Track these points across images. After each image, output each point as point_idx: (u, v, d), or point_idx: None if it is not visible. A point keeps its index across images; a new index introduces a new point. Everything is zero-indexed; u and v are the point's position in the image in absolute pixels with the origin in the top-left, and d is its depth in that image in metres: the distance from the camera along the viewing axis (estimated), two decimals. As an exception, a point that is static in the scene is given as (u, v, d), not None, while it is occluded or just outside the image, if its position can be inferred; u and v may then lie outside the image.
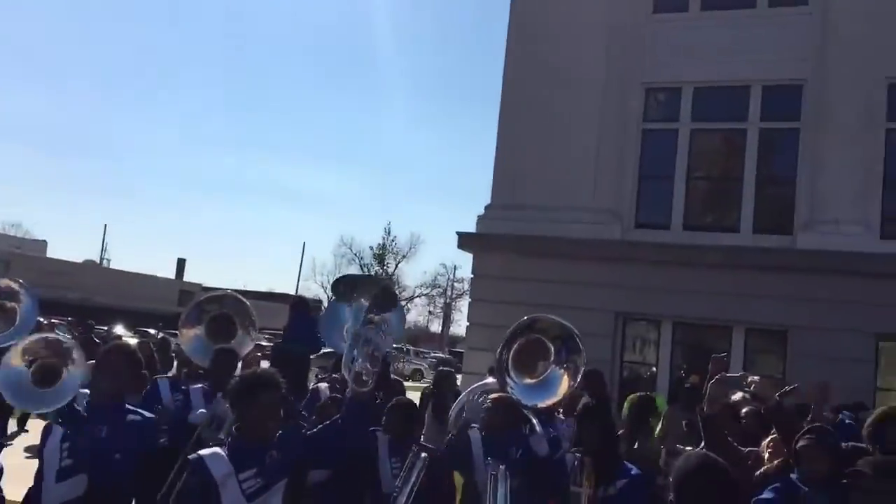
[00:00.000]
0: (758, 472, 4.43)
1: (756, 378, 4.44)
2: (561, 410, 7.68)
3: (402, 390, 8.19)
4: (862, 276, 11.07)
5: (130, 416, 3.97)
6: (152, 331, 30.64)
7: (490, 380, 5.66)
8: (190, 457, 3.42)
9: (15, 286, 6.10)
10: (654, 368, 12.80)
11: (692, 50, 12.95)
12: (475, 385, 6.16)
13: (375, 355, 4.14)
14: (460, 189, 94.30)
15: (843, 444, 4.26)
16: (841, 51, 12.00)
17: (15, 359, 3.90)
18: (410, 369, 35.64)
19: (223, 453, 3.33)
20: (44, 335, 4.22)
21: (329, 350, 7.40)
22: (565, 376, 5.24)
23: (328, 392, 5.95)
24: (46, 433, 3.88)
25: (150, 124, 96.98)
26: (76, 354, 3.94)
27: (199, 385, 5.33)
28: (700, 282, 11.86)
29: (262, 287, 58.04)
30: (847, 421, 5.24)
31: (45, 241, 57.01)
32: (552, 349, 5.30)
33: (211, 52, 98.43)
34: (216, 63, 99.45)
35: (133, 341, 17.54)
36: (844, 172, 11.73)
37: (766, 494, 3.75)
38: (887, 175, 11.87)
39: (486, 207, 13.81)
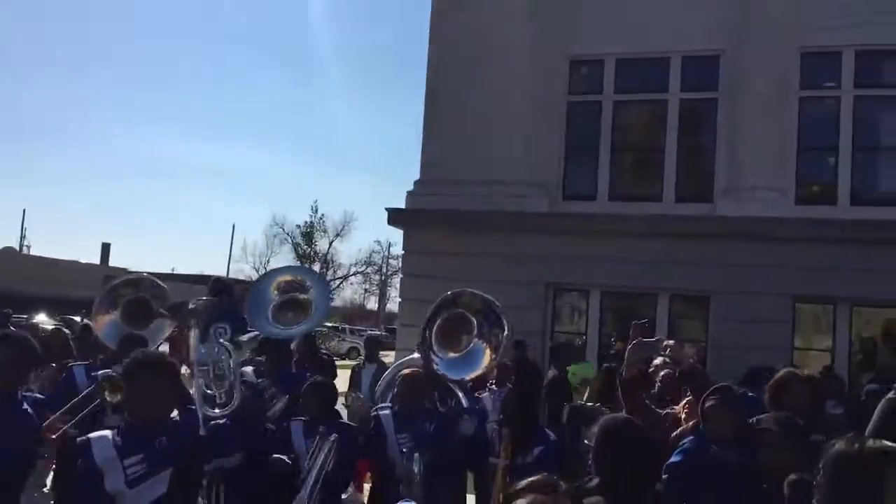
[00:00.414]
0: (674, 434, 4.56)
1: (671, 342, 4.56)
2: (493, 382, 7.81)
3: (333, 368, 8.17)
4: (778, 241, 11.46)
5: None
6: (77, 318, 29.75)
7: (416, 355, 5.67)
8: (78, 440, 3.37)
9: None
10: (585, 337, 13.05)
11: (614, 22, 13.08)
12: (401, 360, 6.17)
13: (218, 373, 4.19)
14: (392, 166, 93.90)
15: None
16: (756, 21, 12.29)
17: None
18: (346, 347, 35.54)
19: (110, 437, 3.27)
20: None
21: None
22: (487, 349, 5.29)
23: (253, 376, 5.87)
24: None
25: (65, 106, 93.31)
26: None
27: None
28: (626, 251, 12.10)
29: (192, 270, 56.68)
30: (750, 394, 5.41)
31: (-42, 229, 54.65)
32: (475, 323, 5.34)
33: (131, 27, 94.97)
34: (136, 39, 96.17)
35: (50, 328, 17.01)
36: (761, 140, 12.07)
37: (675, 458, 3.86)
38: (801, 142, 12.29)
39: (416, 183, 13.78)
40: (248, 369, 6.27)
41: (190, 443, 3.48)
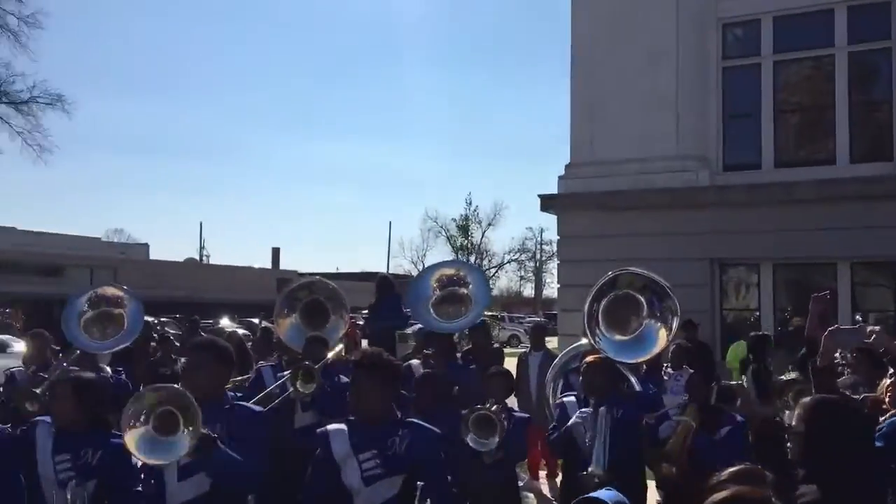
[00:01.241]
0: (883, 418, 4.20)
1: (877, 328, 4.17)
2: (668, 364, 7.57)
3: (502, 356, 8.22)
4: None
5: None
6: (255, 320, 31.78)
7: (584, 341, 5.58)
8: (318, 430, 3.46)
9: (120, 293, 6.40)
10: (758, 314, 12.41)
11: (768, -22, 12.31)
12: (569, 348, 6.11)
13: None
14: (540, 151, 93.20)
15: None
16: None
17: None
18: (507, 335, 35.73)
19: (346, 430, 3.30)
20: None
21: (417, 325, 7.50)
22: (662, 329, 5.11)
23: (421, 368, 6.02)
24: None
25: (230, 121, 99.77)
26: None
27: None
28: (797, 219, 11.39)
29: (355, 268, 59.00)
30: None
31: (146, 244, 59.65)
32: (643, 302, 5.19)
33: (284, 42, 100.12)
34: (291, 51, 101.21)
35: (241, 331, 18.23)
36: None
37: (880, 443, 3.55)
38: None
39: (566, 167, 13.61)
40: (415, 362, 6.45)
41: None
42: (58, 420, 3.71)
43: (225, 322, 26.57)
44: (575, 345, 5.93)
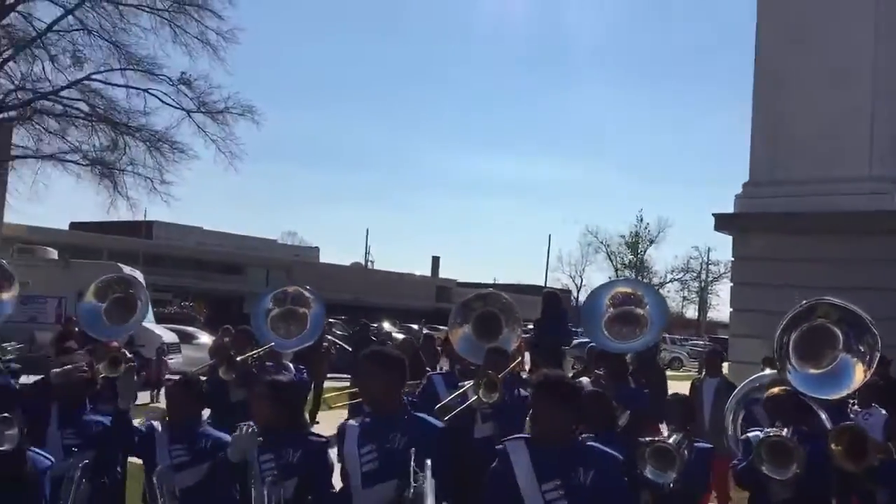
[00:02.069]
0: None
1: None
2: (854, 402, 7.02)
3: (665, 379, 7.96)
4: None
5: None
6: (415, 326, 32.62)
7: (767, 371, 5.29)
8: (497, 447, 3.46)
9: (306, 293, 6.75)
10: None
11: None
12: (752, 377, 5.80)
13: None
14: (704, 170, 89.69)
15: None
16: None
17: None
18: (668, 357, 34.48)
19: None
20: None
21: (584, 340, 7.41)
22: (859, 364, 4.74)
23: (590, 385, 5.91)
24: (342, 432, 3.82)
25: (398, 134, 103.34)
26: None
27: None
28: None
29: (510, 280, 59.17)
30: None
31: (317, 247, 62.78)
32: (839, 335, 4.84)
33: (448, 57, 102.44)
34: (456, 66, 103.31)
35: (400, 336, 18.80)
36: None
37: None
38: None
39: (745, 185, 12.94)
40: (585, 380, 6.35)
41: None
42: (256, 420, 3.83)
43: (386, 326, 27.41)
44: (758, 375, 5.64)
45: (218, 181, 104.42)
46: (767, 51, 12.84)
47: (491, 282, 55.76)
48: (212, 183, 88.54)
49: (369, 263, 62.28)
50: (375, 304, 42.93)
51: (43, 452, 3.74)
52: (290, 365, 6.74)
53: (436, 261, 66.04)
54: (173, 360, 18.20)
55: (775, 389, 4.75)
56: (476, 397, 5.07)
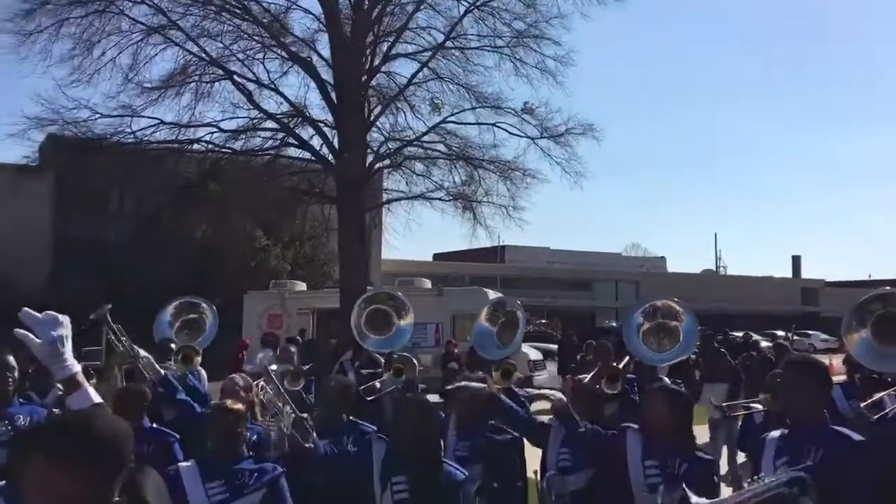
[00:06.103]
0: None
1: None
2: None
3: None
4: None
5: None
6: (780, 332, 30.35)
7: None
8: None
9: (676, 306, 6.68)
10: None
11: None
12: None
13: None
14: None
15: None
16: None
17: None
18: None
19: None
20: None
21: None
22: None
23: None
24: None
25: (741, 124, 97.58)
26: None
27: None
28: None
29: (890, 275, 52.26)
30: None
31: (663, 257, 61.53)
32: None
33: (800, 32, 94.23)
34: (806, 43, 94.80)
35: (764, 344, 17.58)
36: None
37: None
38: None
39: None
40: None
41: None
42: (648, 427, 3.95)
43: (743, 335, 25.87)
44: None
45: (559, 201, 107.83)
46: None
47: (866, 278, 49.85)
48: (554, 203, 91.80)
49: (720, 269, 59.53)
50: (731, 312, 40.88)
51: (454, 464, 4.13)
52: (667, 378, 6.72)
53: (797, 260, 60.93)
54: (540, 377, 19.11)
55: None
56: None
